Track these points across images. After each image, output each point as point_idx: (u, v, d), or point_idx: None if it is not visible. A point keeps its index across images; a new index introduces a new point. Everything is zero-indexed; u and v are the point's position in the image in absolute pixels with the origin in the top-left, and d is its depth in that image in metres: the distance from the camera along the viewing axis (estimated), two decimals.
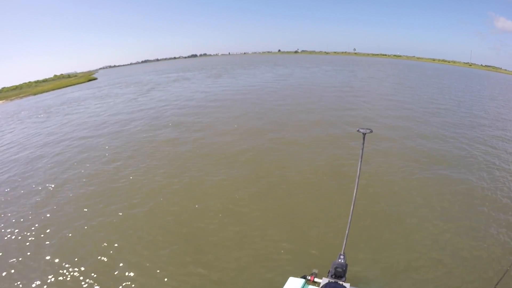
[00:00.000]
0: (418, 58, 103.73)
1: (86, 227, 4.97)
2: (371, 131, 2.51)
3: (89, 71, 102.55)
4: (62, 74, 72.94)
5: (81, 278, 3.85)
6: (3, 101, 31.50)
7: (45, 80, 58.26)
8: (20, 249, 4.57)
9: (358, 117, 11.54)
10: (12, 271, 4.10)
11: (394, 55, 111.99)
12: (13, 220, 5.43)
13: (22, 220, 5.41)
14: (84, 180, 6.82)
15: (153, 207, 5.44)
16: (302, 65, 44.66)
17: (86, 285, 3.74)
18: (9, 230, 5.12)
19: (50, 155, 8.93)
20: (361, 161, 2.57)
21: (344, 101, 14.63)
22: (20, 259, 4.33)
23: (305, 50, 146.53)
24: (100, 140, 9.96)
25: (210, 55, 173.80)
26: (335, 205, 5.19)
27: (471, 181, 6.08)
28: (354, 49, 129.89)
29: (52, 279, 3.87)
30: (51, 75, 68.38)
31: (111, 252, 4.31)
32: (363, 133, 2.53)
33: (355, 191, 2.54)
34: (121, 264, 4.03)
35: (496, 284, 2.29)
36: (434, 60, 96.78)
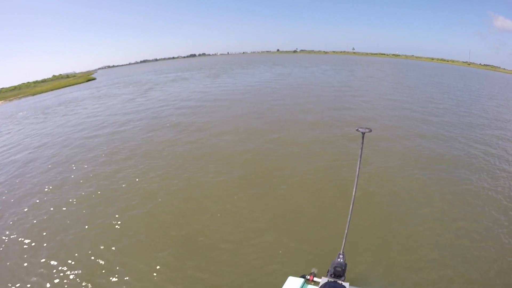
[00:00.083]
0: (417, 57, 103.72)
1: (83, 230, 4.92)
2: (370, 131, 2.48)
3: (88, 71, 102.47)
4: (60, 75, 72.90)
5: (78, 281, 3.81)
6: (2, 102, 31.38)
7: (43, 81, 58.14)
8: (17, 251, 4.52)
9: (357, 116, 11.52)
10: (9, 274, 4.05)
11: (393, 55, 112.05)
12: (10, 223, 5.38)
13: (19, 222, 5.36)
14: (82, 181, 6.77)
15: (151, 209, 5.39)
16: (301, 65, 44.62)
17: None
18: (6, 232, 5.07)
19: (47, 156, 8.87)
20: (360, 160, 2.55)
21: (343, 101, 14.60)
22: (16, 261, 4.28)
23: (304, 50, 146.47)
24: (98, 140, 9.90)
25: (209, 54, 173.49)
26: (334, 205, 5.16)
27: (471, 181, 6.06)
28: (353, 49, 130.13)
29: (49, 283, 3.82)
30: (50, 75, 68.41)
31: (109, 255, 4.26)
32: (362, 133, 2.49)
33: (354, 190, 2.52)
34: (118, 268, 3.98)
35: None
36: (433, 59, 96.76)
